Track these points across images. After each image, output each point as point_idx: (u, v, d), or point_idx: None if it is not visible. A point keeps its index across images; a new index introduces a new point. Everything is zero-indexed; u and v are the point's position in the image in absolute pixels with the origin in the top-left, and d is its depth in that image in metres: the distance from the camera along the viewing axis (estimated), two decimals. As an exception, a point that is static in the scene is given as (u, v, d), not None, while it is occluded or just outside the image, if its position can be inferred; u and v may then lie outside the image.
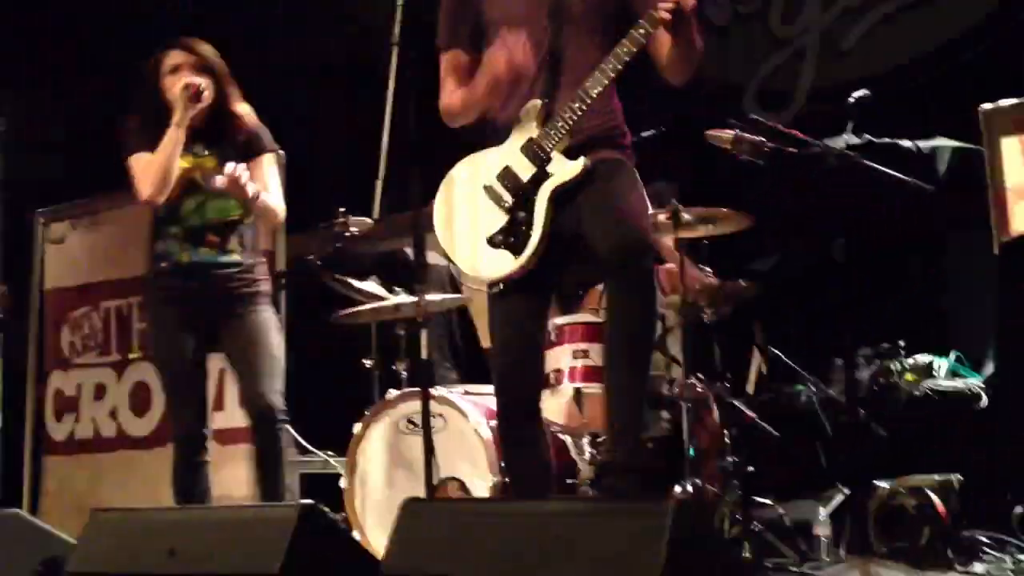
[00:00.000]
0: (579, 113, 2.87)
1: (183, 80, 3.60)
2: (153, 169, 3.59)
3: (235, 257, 3.67)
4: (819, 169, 3.52)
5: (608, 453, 2.82)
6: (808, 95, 5.56)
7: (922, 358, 4.49)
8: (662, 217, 4.08)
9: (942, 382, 4.40)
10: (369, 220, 4.06)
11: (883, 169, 3.54)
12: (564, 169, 2.88)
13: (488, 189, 2.95)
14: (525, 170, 2.91)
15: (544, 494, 2.98)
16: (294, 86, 6.29)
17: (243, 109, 3.77)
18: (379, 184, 2.74)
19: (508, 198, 2.92)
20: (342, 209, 4.18)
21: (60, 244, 6.18)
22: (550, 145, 2.90)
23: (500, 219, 2.92)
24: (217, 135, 3.71)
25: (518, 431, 3.00)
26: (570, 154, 2.90)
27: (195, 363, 3.66)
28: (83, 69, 6.44)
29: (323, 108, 6.39)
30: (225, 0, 6.14)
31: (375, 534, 3.83)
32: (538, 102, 2.94)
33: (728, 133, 3.67)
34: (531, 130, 2.94)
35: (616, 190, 2.89)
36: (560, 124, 2.89)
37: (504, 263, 2.90)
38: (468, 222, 2.96)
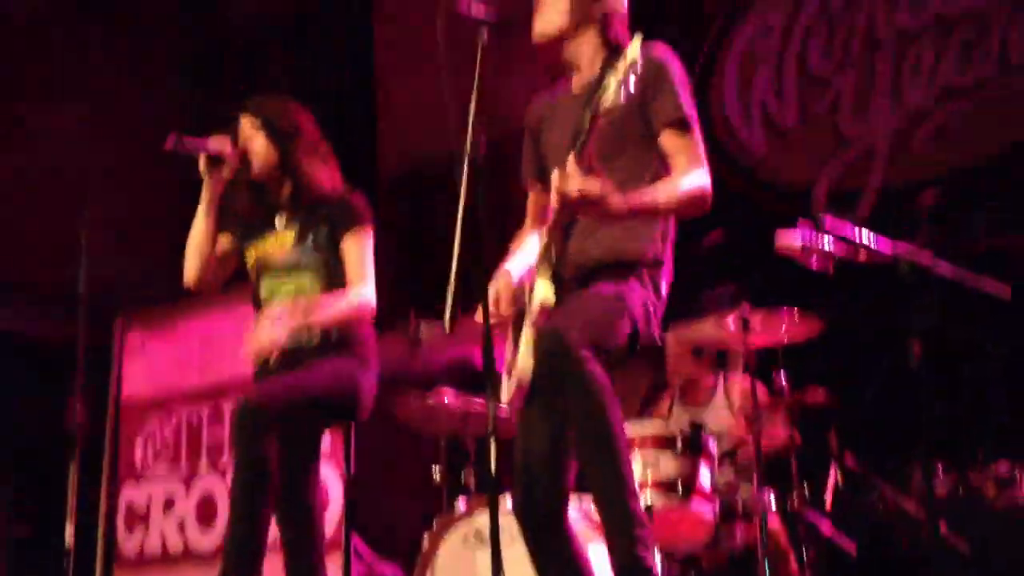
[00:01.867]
0: (550, 250, 2.80)
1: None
2: (186, 252, 3.41)
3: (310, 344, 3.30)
4: (892, 275, 3.46)
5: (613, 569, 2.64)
6: (878, 195, 5.51)
7: (1002, 467, 4.34)
8: (729, 321, 4.07)
9: (1026, 494, 4.24)
10: (439, 328, 4.06)
11: (956, 272, 3.47)
12: (533, 306, 2.79)
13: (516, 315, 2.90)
14: (527, 302, 2.86)
15: None
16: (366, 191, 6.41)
17: (321, 174, 3.40)
18: (450, 292, 2.73)
19: (516, 330, 2.87)
20: (412, 317, 4.20)
21: (139, 351, 6.28)
22: (539, 275, 2.82)
23: (511, 348, 2.89)
24: (296, 204, 3.41)
25: (533, 547, 2.86)
26: (560, 283, 2.80)
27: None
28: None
29: (394, 215, 6.49)
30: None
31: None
32: (543, 231, 2.86)
33: (797, 241, 3.63)
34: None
35: (567, 306, 2.76)
36: (544, 255, 2.82)
37: (506, 392, 2.84)
38: (508, 346, 2.92)
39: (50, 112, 6.36)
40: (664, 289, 2.92)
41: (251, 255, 3.49)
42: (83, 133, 6.40)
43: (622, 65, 2.56)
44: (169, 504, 5.79)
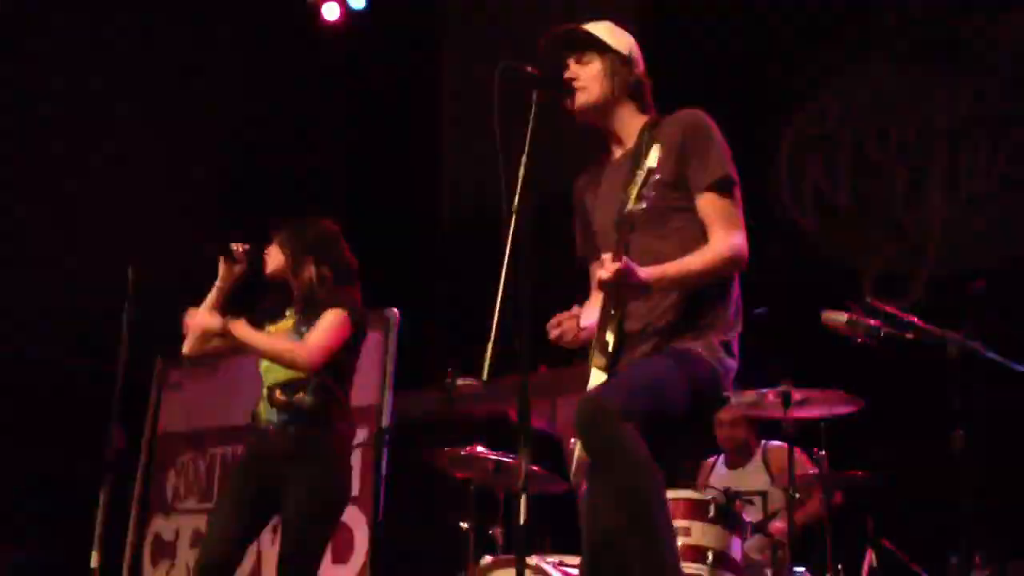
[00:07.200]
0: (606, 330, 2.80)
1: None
2: (189, 329, 3.87)
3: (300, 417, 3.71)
4: (938, 357, 3.42)
5: None
6: (927, 284, 5.46)
7: (1046, 561, 4.23)
8: (771, 396, 4.03)
9: (1068, 589, 4.13)
10: (476, 382, 4.05)
11: (1005, 361, 3.42)
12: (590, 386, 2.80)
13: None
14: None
15: None
16: (410, 246, 6.46)
17: (318, 279, 3.83)
18: (490, 347, 2.72)
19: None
20: (450, 369, 4.20)
21: (177, 389, 6.32)
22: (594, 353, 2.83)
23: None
24: (303, 304, 3.84)
25: None
26: (623, 347, 2.81)
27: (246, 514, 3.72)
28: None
29: (437, 270, 6.53)
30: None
31: None
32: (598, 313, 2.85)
33: (843, 315, 3.61)
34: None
35: (620, 373, 2.77)
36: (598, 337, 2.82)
37: (574, 465, 2.82)
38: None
39: (106, 156, 6.51)
40: (736, 351, 2.88)
41: None
42: (137, 173, 6.54)
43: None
44: (197, 538, 5.77)
